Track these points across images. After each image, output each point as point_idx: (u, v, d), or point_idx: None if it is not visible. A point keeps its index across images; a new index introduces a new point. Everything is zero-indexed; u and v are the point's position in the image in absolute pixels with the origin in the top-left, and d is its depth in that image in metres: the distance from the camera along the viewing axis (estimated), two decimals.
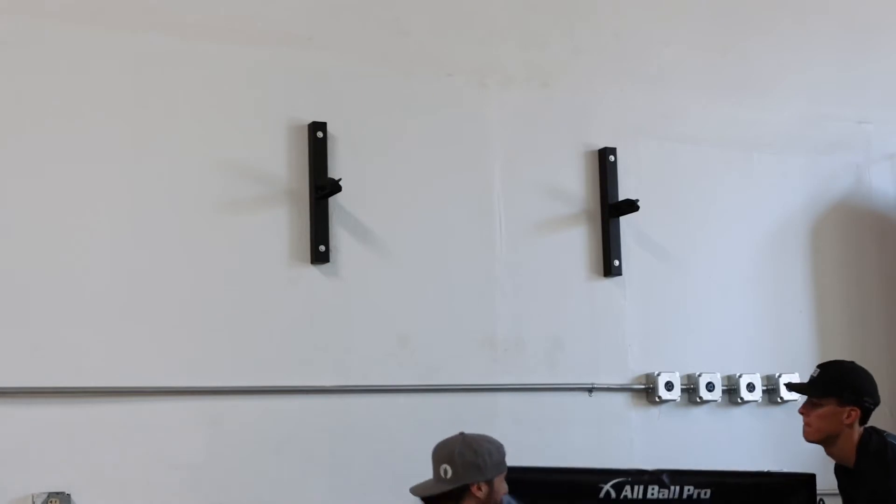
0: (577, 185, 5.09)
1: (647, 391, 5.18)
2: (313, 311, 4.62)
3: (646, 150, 5.28)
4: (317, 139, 4.70)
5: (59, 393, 4.27)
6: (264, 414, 4.50)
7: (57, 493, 4.20)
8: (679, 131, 5.36)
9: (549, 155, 4.86)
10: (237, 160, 4.61)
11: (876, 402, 4.11)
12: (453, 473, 3.72)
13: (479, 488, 3.75)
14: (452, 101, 4.98)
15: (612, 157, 5.14)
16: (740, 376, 5.28)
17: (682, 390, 5.20)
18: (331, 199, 4.66)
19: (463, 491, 3.73)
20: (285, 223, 4.66)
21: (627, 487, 4.25)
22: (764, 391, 5.31)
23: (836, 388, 4.07)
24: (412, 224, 4.84)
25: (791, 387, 4.32)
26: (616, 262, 5.08)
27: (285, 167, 4.68)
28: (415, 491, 3.87)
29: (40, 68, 4.38)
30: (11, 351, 4.22)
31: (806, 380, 4.21)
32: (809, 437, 4.17)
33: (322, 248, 4.65)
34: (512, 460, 4.91)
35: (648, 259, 5.03)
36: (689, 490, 4.30)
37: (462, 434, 3.86)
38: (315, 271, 4.66)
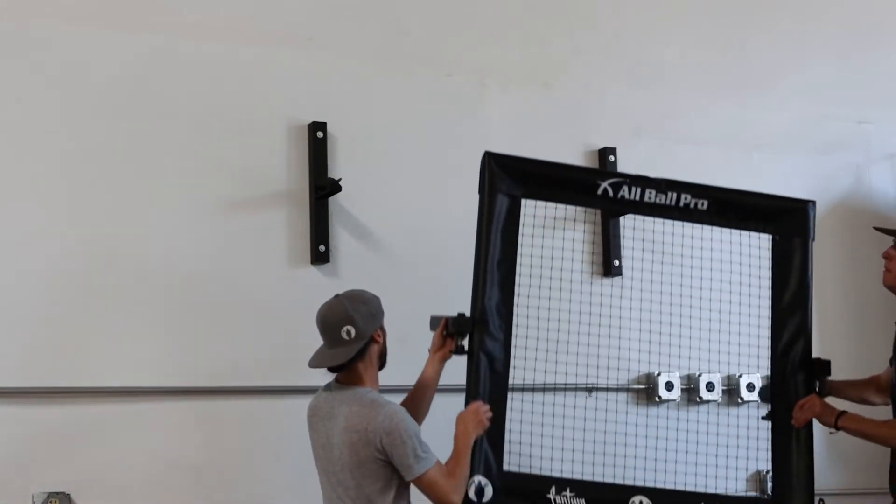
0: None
1: (647, 391, 5.19)
2: (313, 311, 4.60)
3: (646, 150, 5.28)
4: (317, 139, 4.70)
5: (59, 393, 4.28)
6: (264, 414, 4.50)
7: (57, 493, 4.20)
8: (679, 131, 5.36)
9: (549, 155, 4.85)
10: (237, 160, 4.62)
11: None
12: (357, 331, 3.68)
13: (379, 335, 3.78)
14: (452, 101, 4.98)
15: (612, 157, 5.14)
16: (740, 376, 5.28)
17: (682, 390, 5.20)
18: (331, 199, 4.67)
19: (367, 343, 3.72)
20: (285, 223, 4.67)
21: (625, 188, 4.26)
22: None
23: None
24: (412, 224, 4.84)
25: (882, 230, 4.36)
26: (616, 262, 5.08)
27: (285, 167, 4.69)
28: (322, 363, 3.73)
29: (40, 69, 4.39)
30: (11, 351, 4.23)
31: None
32: (888, 281, 4.29)
33: (322, 248, 4.65)
34: (511, 460, 4.92)
35: (648, 259, 5.03)
36: (685, 198, 4.32)
37: (337, 295, 3.78)
38: (315, 271, 4.66)
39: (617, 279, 5.09)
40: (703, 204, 4.35)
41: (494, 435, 4.00)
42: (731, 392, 5.30)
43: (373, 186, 4.79)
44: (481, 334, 4.05)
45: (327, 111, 4.74)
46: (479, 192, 4.17)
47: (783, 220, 4.47)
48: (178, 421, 4.43)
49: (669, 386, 5.16)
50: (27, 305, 4.28)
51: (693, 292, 4.90)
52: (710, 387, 5.23)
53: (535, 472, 4.24)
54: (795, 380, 4.37)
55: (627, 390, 5.17)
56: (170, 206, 4.51)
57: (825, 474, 5.18)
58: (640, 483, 4.43)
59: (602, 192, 4.27)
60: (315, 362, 3.76)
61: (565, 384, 5.03)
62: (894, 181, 5.89)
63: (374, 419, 3.62)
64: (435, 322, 4.16)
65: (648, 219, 5.09)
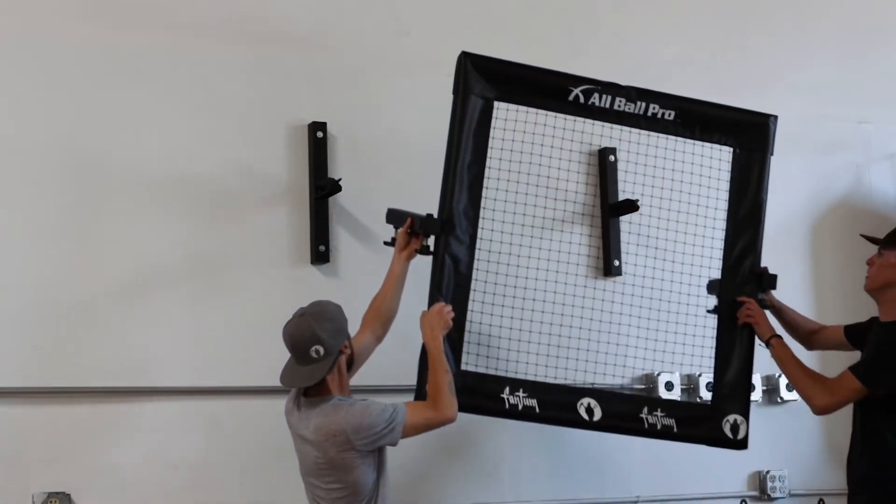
0: (577, 185, 5.09)
1: (647, 391, 5.18)
2: None
3: (646, 150, 5.26)
4: (317, 139, 4.70)
5: (59, 393, 4.28)
6: (264, 414, 4.50)
7: (57, 493, 4.20)
8: None
9: (549, 155, 4.86)
10: (237, 160, 4.62)
11: None
12: (325, 349, 3.72)
13: (346, 347, 3.82)
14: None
15: (612, 157, 5.13)
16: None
17: (682, 390, 5.20)
18: (331, 199, 4.67)
19: (336, 358, 3.77)
20: (285, 223, 4.67)
21: (596, 95, 4.42)
22: (763, 391, 5.30)
23: None
24: None
25: (868, 238, 4.49)
26: (616, 262, 5.07)
27: (285, 167, 4.69)
28: (294, 383, 3.79)
29: (39, 68, 4.39)
30: (11, 351, 4.23)
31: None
32: (867, 285, 4.35)
33: (322, 248, 4.65)
34: (511, 459, 4.92)
35: (648, 259, 5.02)
36: (654, 108, 4.48)
37: (303, 313, 3.80)
38: (315, 271, 4.66)
39: (617, 279, 5.08)
40: (670, 114, 4.52)
41: (455, 335, 4.13)
42: None
43: (373, 186, 4.79)
44: (448, 236, 4.16)
45: (327, 111, 4.74)
46: (454, 93, 4.27)
47: (745, 134, 4.64)
48: (178, 421, 4.43)
49: (669, 386, 5.16)
50: (27, 305, 4.28)
51: (692, 291, 4.90)
52: (709, 387, 5.22)
53: (491, 372, 4.33)
54: (743, 291, 4.54)
55: (627, 390, 5.16)
56: (170, 206, 4.51)
57: (825, 474, 5.18)
58: (588, 385, 4.56)
59: (573, 98, 4.42)
60: (288, 381, 3.80)
61: (566, 384, 5.04)
62: (894, 181, 5.89)
63: (339, 425, 3.70)
64: (393, 216, 4.29)
65: (648, 219, 5.11)
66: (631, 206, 5.02)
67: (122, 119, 4.48)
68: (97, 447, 4.31)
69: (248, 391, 4.52)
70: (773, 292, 4.64)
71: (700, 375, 5.20)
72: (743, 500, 4.89)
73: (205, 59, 4.61)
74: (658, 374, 5.15)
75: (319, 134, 4.71)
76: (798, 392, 4.38)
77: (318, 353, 3.72)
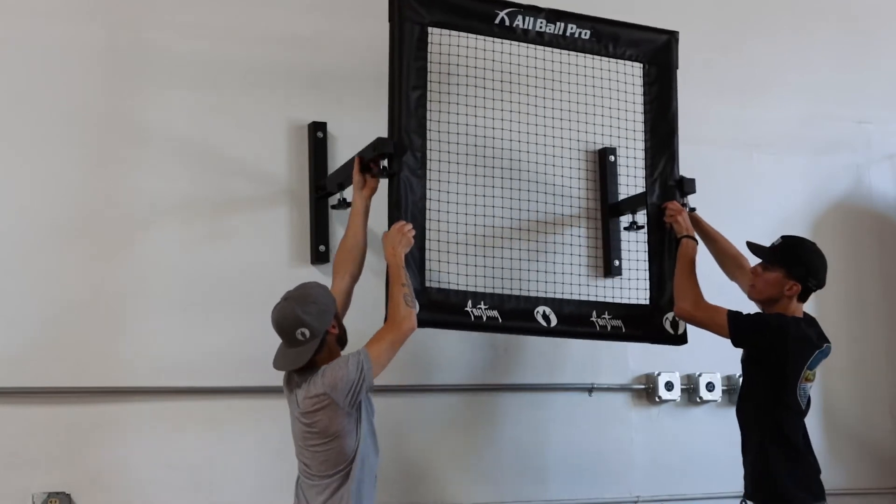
0: (578, 185, 5.08)
1: (647, 391, 5.19)
2: None
3: None
4: (317, 139, 4.71)
5: (59, 393, 4.28)
6: (264, 414, 4.51)
7: (57, 493, 4.21)
8: (679, 131, 5.34)
9: (549, 155, 4.86)
10: (237, 160, 4.62)
11: (819, 285, 4.40)
12: (311, 331, 3.79)
13: (334, 327, 3.89)
14: None
15: (612, 157, 5.13)
16: (740, 376, 5.27)
17: (682, 390, 5.21)
18: (331, 199, 4.67)
19: (323, 339, 3.84)
20: (285, 223, 4.67)
21: (519, 17, 4.60)
22: None
23: (788, 260, 4.33)
24: None
25: (751, 247, 4.50)
26: (616, 262, 5.07)
27: (285, 167, 4.69)
28: (285, 366, 3.88)
29: (37, 67, 4.39)
30: (11, 351, 4.23)
31: (767, 244, 4.47)
32: (752, 295, 4.46)
33: (322, 248, 4.66)
34: (511, 460, 4.91)
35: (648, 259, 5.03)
36: (571, 28, 4.70)
37: (287, 297, 3.85)
38: (315, 271, 4.67)
39: (617, 279, 5.08)
40: (586, 33, 4.73)
41: (416, 253, 4.25)
42: (731, 392, 5.31)
43: None
44: (401, 157, 4.27)
45: (327, 111, 4.75)
46: (390, 20, 4.38)
47: (652, 50, 4.86)
48: (178, 421, 4.44)
49: (669, 386, 5.17)
50: (28, 305, 4.28)
51: None
52: (710, 387, 5.24)
53: (453, 287, 4.40)
54: (666, 196, 4.72)
55: (627, 390, 5.17)
56: (171, 205, 4.51)
57: (825, 474, 5.17)
58: (542, 295, 4.61)
59: (500, 20, 4.56)
60: (280, 364, 3.87)
61: (565, 384, 5.04)
62: (894, 181, 5.89)
63: (320, 388, 3.76)
64: (336, 176, 4.51)
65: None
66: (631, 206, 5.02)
67: (121, 119, 4.48)
68: (97, 447, 4.32)
69: (248, 391, 4.52)
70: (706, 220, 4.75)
71: (700, 375, 5.21)
72: (743, 500, 4.88)
73: (205, 58, 4.61)
74: (658, 374, 5.16)
75: (319, 134, 4.71)
76: (674, 289, 4.48)
77: (303, 336, 3.79)
